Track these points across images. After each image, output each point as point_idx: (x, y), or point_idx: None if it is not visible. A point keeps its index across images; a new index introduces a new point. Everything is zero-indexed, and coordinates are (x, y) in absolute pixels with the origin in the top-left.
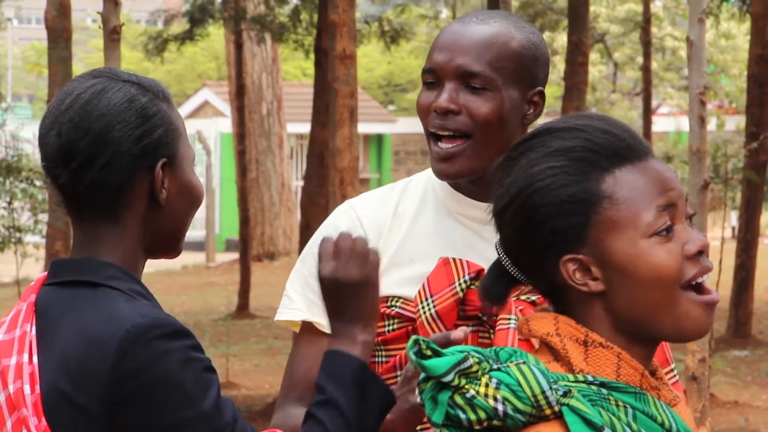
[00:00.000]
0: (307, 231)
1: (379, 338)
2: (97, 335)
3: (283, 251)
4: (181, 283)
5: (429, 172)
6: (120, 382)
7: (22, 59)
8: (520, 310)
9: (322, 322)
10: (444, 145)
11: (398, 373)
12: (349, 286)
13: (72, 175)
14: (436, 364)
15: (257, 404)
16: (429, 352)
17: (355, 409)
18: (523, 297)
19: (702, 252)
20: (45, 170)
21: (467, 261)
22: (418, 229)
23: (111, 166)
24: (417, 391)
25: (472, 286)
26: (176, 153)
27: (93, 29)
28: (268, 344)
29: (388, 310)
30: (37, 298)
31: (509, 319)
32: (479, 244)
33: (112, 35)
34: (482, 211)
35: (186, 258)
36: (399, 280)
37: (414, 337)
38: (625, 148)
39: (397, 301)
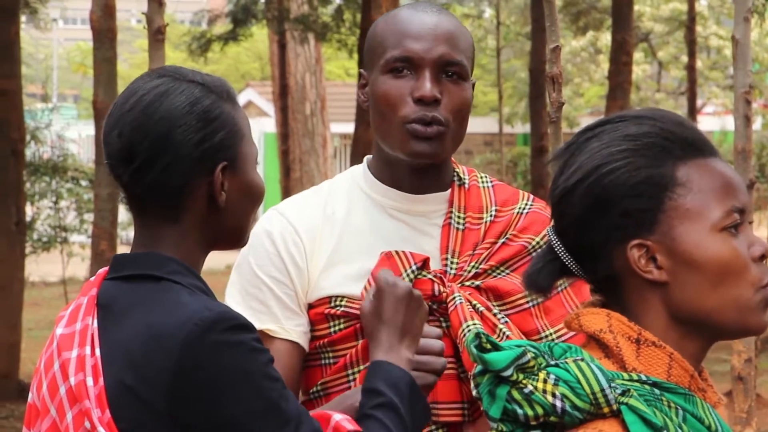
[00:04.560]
0: None
1: (326, 339)
2: (162, 329)
3: None
4: (225, 282)
5: (350, 172)
6: (187, 375)
7: (68, 60)
8: (469, 295)
9: (274, 328)
10: (424, 128)
11: (348, 372)
12: (414, 299)
13: (132, 175)
14: (497, 358)
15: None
16: (489, 346)
17: (410, 420)
18: (467, 283)
19: (764, 256)
20: (108, 168)
21: (411, 252)
22: (351, 227)
23: (171, 169)
24: (473, 384)
25: (420, 276)
26: (237, 155)
27: (137, 29)
28: None
29: (332, 311)
30: (99, 292)
31: (454, 297)
32: (415, 236)
33: (157, 35)
34: (416, 203)
35: (230, 258)
36: (340, 279)
37: (474, 330)
38: (699, 140)
39: (341, 301)
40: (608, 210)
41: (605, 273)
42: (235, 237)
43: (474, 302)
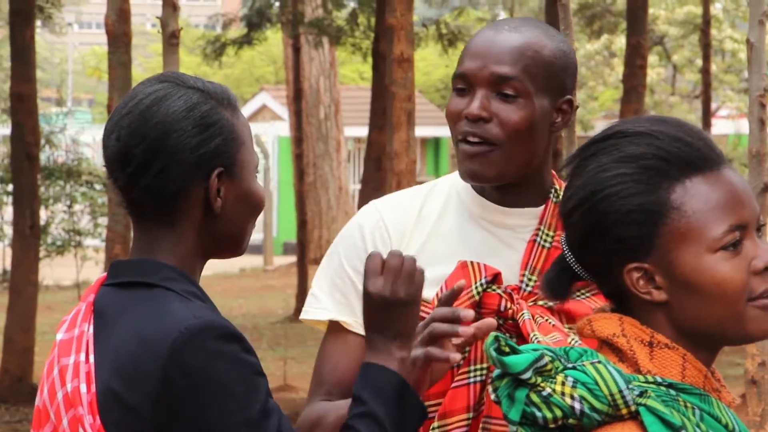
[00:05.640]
0: None
1: None
2: (150, 335)
3: None
4: (240, 286)
5: (454, 176)
6: (172, 382)
7: (83, 64)
8: (540, 313)
9: (349, 321)
10: (473, 148)
11: None
12: (394, 304)
13: (128, 179)
14: (516, 361)
15: None
16: (507, 349)
17: (394, 426)
18: (540, 302)
19: None
20: (106, 171)
21: (484, 264)
22: (440, 231)
23: (166, 174)
24: (491, 389)
25: (489, 289)
26: (235, 161)
27: (152, 34)
28: None
29: None
30: (95, 298)
31: (523, 313)
32: (501, 248)
33: (171, 40)
34: (505, 216)
35: (244, 261)
36: None
37: (493, 333)
38: (698, 157)
39: None
40: (603, 236)
41: (610, 289)
42: (232, 245)
43: (545, 317)
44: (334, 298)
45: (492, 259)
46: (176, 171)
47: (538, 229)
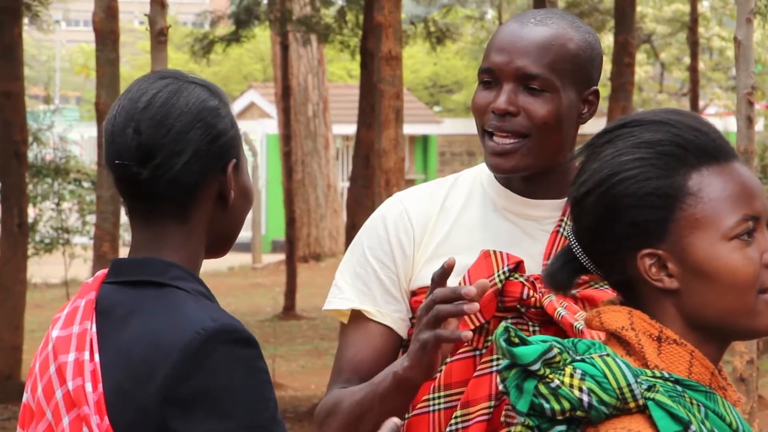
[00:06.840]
0: (352, 232)
1: None
2: (164, 336)
3: (329, 252)
4: (228, 284)
5: (478, 168)
6: (183, 383)
7: (70, 61)
8: (565, 307)
9: (371, 310)
10: (499, 140)
11: None
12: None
13: (153, 172)
14: (525, 352)
15: (303, 405)
16: (517, 340)
17: None
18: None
19: None
20: (117, 168)
21: (507, 253)
22: (463, 222)
23: (190, 165)
24: (499, 379)
25: (511, 278)
26: (240, 155)
27: (140, 31)
28: (314, 345)
29: None
30: (97, 296)
31: (549, 295)
32: (524, 240)
33: (159, 37)
34: (530, 207)
35: (232, 259)
36: None
37: (503, 324)
38: (714, 148)
39: None
40: (618, 220)
41: (620, 278)
42: (227, 241)
43: (568, 304)
44: (356, 288)
45: (515, 250)
46: (199, 162)
47: (562, 219)
